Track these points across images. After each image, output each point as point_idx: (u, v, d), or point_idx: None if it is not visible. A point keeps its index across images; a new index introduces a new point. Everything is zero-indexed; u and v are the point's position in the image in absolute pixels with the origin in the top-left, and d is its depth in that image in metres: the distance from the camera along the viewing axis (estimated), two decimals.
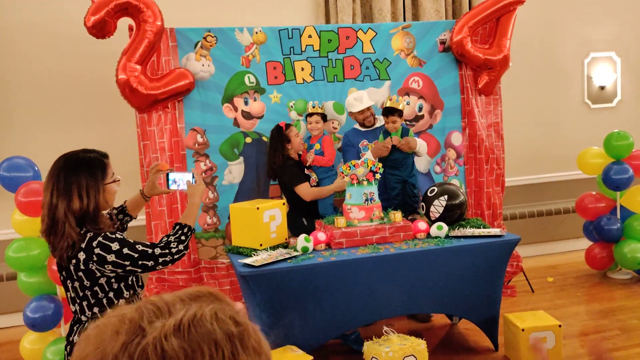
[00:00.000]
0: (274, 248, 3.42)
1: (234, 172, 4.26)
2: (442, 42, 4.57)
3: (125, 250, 2.06)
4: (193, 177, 2.47)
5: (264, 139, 4.29)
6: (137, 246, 2.10)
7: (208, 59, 4.16)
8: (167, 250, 2.16)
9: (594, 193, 5.11)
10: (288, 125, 4.00)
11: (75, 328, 2.17)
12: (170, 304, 0.73)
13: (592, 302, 4.50)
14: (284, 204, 3.58)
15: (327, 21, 4.96)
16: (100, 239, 2.05)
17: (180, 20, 4.31)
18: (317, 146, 4.12)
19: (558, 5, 5.66)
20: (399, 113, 3.91)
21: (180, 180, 2.51)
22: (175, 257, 2.19)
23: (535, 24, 5.56)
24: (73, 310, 2.17)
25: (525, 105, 5.64)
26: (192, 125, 4.17)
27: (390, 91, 4.46)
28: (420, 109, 4.58)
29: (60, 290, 3.54)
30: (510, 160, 5.20)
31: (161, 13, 3.89)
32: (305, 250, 3.36)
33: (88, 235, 2.06)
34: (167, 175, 2.54)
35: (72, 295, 2.13)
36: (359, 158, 3.99)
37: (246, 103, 4.26)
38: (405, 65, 4.52)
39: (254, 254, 3.31)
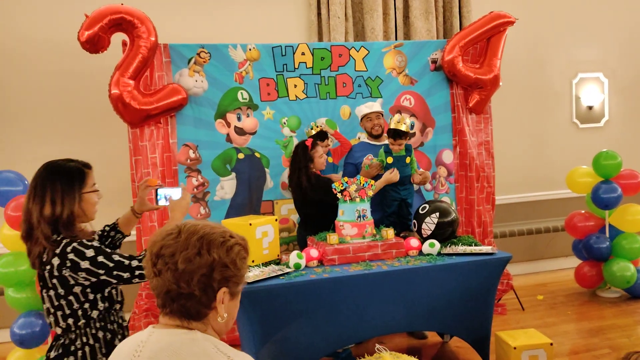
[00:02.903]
0: (266, 264, 3.40)
1: (226, 187, 4.26)
2: (434, 61, 4.62)
3: (100, 259, 2.01)
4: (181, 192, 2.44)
5: (257, 154, 4.29)
6: (113, 256, 2.05)
7: (201, 74, 4.18)
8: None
9: (583, 212, 5.15)
10: (314, 145, 3.88)
11: (54, 343, 2.10)
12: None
13: (582, 320, 4.51)
14: (276, 219, 3.56)
15: (320, 39, 5.00)
16: (75, 244, 2.01)
17: (174, 36, 4.33)
18: (330, 159, 4.18)
19: (547, 27, 5.76)
20: (405, 134, 3.92)
21: (169, 196, 2.47)
22: None
23: (525, 44, 5.65)
24: (48, 322, 2.11)
25: (515, 124, 5.71)
26: (185, 140, 4.17)
27: (382, 109, 4.49)
28: (412, 126, 4.61)
29: None
30: (501, 178, 5.24)
31: (155, 29, 3.90)
32: (297, 267, 3.34)
33: (64, 241, 2.02)
34: (156, 191, 2.50)
35: (47, 305, 2.07)
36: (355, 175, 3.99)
37: (239, 119, 4.27)
38: (397, 83, 4.56)
39: None
